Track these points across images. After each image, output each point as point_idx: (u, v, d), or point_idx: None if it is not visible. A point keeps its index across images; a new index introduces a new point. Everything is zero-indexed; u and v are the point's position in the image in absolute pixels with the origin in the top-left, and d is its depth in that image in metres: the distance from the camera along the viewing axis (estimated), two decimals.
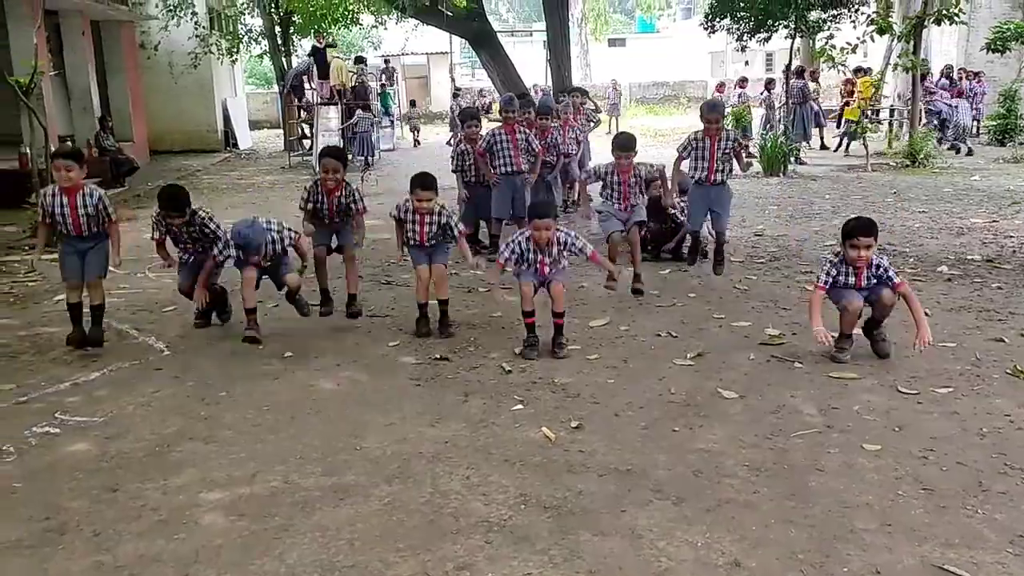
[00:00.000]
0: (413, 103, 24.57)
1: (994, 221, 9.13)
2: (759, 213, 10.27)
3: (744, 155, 6.75)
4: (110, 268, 5.45)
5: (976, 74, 19.62)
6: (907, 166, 14.28)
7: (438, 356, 5.08)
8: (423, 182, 5.37)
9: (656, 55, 41.09)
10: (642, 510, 3.25)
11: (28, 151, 11.72)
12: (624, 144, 6.42)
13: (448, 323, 5.53)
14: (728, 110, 17.06)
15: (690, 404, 4.30)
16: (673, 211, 7.76)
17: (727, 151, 6.44)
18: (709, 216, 6.61)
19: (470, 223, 8.32)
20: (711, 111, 6.50)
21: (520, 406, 4.29)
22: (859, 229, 4.59)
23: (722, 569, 2.84)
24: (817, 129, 16.91)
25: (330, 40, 18.75)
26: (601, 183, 6.49)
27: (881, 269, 4.71)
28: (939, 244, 8.04)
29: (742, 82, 18.38)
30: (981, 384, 4.43)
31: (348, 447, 3.86)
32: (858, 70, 17.31)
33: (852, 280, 4.76)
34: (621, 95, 26.01)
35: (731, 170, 6.57)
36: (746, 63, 33.90)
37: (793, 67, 16.03)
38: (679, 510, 3.24)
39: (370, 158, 16.70)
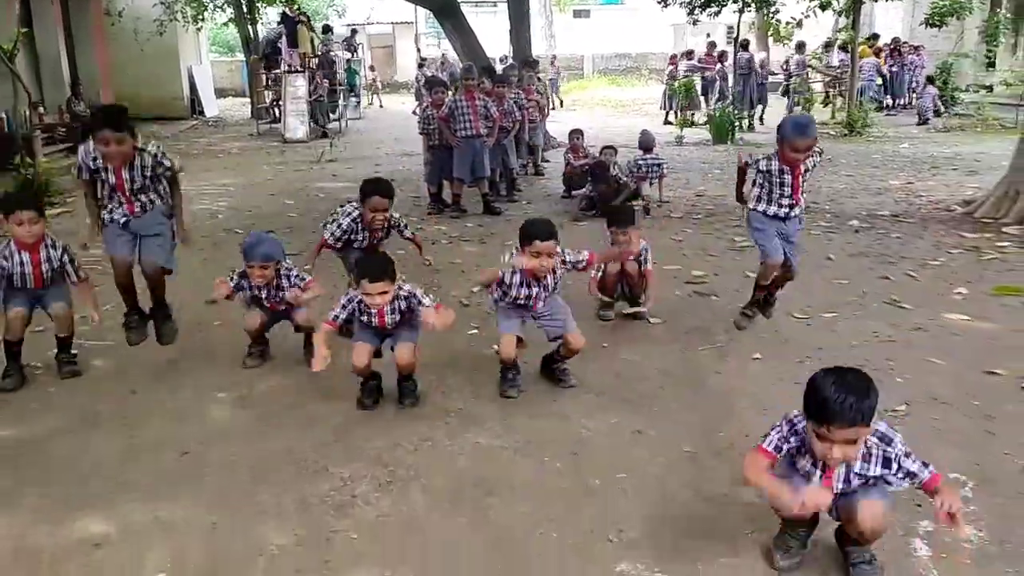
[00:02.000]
0: (372, 67, 25.01)
1: (910, 183, 10.05)
2: (703, 177, 11.08)
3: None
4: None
5: (916, 47, 20.60)
6: (845, 135, 15.20)
7: None
8: (370, 269, 3.81)
9: (620, 26, 41.63)
10: (571, 401, 4.04)
11: (5, 115, 12.20)
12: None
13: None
14: (675, 82, 17.87)
15: (619, 328, 5.10)
16: (616, 171, 8.56)
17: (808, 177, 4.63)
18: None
19: (435, 182, 9.05)
20: (801, 135, 4.31)
21: (476, 331, 5.05)
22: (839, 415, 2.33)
23: (629, 436, 3.65)
24: (760, 105, 17.63)
25: (300, 10, 19.10)
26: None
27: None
28: (856, 203, 8.93)
29: (688, 54, 19.15)
30: (862, 311, 5.30)
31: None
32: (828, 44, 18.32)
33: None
34: (560, 72, 26.88)
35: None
36: (708, 35, 34.70)
37: (740, 40, 16.84)
38: (600, 400, 4.04)
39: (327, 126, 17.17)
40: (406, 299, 3.86)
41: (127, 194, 4.23)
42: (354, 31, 27.24)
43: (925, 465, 2.48)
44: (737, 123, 15.26)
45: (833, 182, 10.31)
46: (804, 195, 4.69)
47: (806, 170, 4.56)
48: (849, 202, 9.00)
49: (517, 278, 3.96)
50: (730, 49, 17.82)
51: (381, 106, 22.70)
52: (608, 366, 4.48)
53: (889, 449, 2.46)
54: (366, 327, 3.93)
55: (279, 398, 4.13)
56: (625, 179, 8.64)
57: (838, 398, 2.27)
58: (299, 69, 16.89)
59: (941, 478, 2.48)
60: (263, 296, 4.41)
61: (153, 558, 2.77)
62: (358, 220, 4.77)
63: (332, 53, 19.67)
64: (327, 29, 21.78)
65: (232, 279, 4.40)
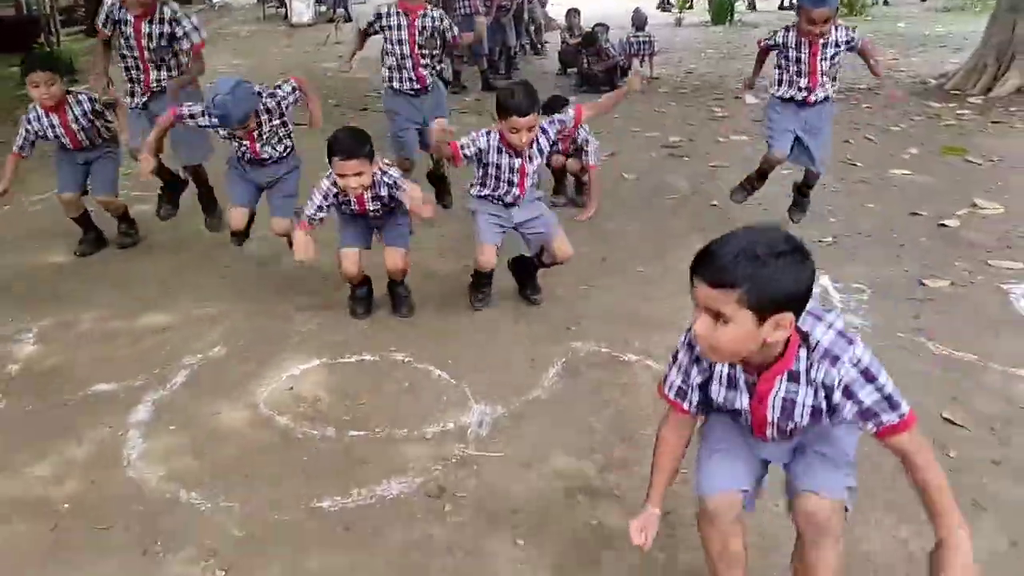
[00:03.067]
0: None
1: (895, 59, 10.41)
2: (696, 55, 11.44)
3: (873, 59, 4.42)
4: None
5: None
6: (845, 14, 15.30)
7: None
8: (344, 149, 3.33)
9: None
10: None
11: None
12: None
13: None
14: None
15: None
16: (607, 45, 9.00)
17: (835, 61, 4.28)
18: (796, 148, 4.45)
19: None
20: (818, 4, 4.00)
21: None
22: None
23: (594, 258, 4.33)
24: None
25: None
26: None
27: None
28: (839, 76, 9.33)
29: None
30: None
31: None
32: None
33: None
34: None
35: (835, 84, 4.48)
36: None
37: None
38: (573, 239, 4.70)
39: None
40: (388, 186, 3.42)
41: (143, 56, 4.21)
42: None
43: (893, 406, 1.60)
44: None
45: None
46: (831, 80, 4.30)
47: (831, 53, 4.17)
48: None
49: (493, 145, 3.44)
50: None
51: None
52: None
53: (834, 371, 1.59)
54: (349, 222, 3.60)
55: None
56: (615, 54, 9.07)
57: None
58: None
59: (915, 423, 1.61)
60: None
61: (210, 337, 3.53)
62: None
63: None
64: None
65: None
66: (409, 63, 4.82)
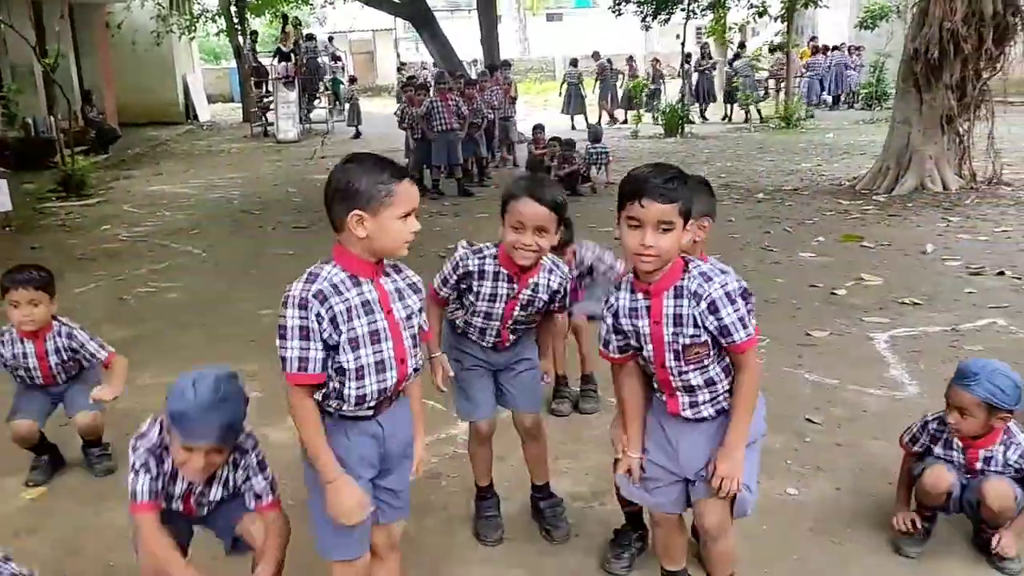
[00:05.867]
0: (353, 79, 21.85)
1: (819, 165, 11.88)
2: (647, 162, 12.83)
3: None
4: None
5: (856, 48, 22.53)
6: (783, 127, 17.04)
7: None
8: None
9: (592, 29, 43.39)
10: None
11: (32, 122, 13.81)
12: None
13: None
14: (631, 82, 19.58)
15: None
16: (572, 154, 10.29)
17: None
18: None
19: (417, 169, 10.74)
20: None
21: None
22: None
23: None
24: (703, 104, 19.52)
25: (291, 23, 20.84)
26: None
27: None
28: (768, 180, 10.72)
29: (630, 60, 20.95)
30: (740, 253, 7.03)
31: None
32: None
33: None
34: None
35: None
36: (677, 36, 36.60)
37: (701, 44, 18.75)
38: None
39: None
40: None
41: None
42: (331, 38, 28.79)
43: (744, 326, 2.14)
44: (686, 117, 17.08)
45: (756, 165, 12.13)
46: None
47: None
48: (763, 180, 10.80)
49: (488, 268, 2.69)
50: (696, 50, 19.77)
51: (358, 133, 20.70)
52: None
53: (707, 286, 2.13)
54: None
55: None
56: (577, 163, 10.38)
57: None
58: (290, 77, 18.57)
59: (755, 344, 2.21)
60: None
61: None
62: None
63: (318, 59, 21.34)
64: (310, 37, 23.35)
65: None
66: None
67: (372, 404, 2.15)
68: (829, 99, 21.55)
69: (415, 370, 2.23)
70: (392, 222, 2.03)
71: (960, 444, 2.74)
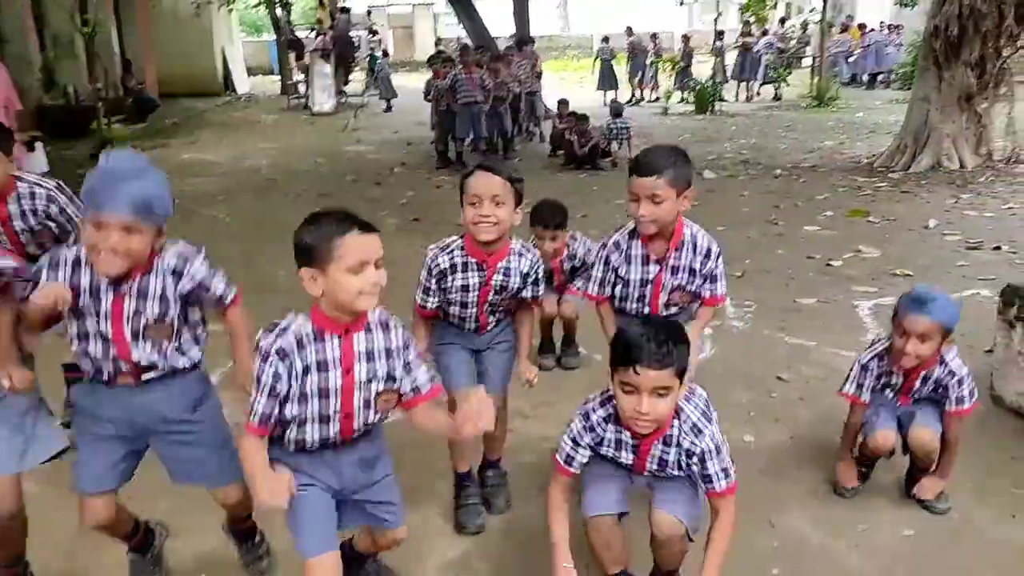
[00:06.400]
0: (385, 53, 22.31)
1: (842, 143, 11.89)
2: (672, 138, 12.93)
3: None
4: None
5: (895, 27, 22.19)
6: (814, 106, 16.94)
7: None
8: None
9: (636, 5, 43.02)
10: None
11: (74, 90, 14.31)
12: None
13: None
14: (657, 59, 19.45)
15: None
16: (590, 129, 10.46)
17: None
18: None
19: (442, 141, 10.98)
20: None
21: None
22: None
23: None
24: (744, 83, 19.33)
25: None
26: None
27: None
28: (788, 158, 10.78)
29: (654, 37, 20.53)
30: (746, 226, 7.17)
31: None
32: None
33: None
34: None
35: None
36: (719, 13, 36.24)
37: (742, 21, 18.65)
38: None
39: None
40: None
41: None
42: (369, 12, 29.01)
43: (727, 476, 2.21)
44: (718, 95, 17.08)
45: (779, 143, 12.18)
46: None
47: None
48: (782, 157, 10.86)
49: (457, 260, 2.72)
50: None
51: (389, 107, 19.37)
52: None
53: (697, 441, 2.18)
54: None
55: None
56: (596, 137, 10.53)
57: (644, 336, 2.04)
58: (326, 50, 18.90)
59: (734, 492, 2.23)
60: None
61: None
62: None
63: (351, 32, 21.63)
64: (344, 10, 23.62)
65: None
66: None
67: (314, 449, 2.13)
68: (865, 78, 21.27)
69: (368, 424, 2.16)
70: (341, 275, 1.95)
71: (900, 374, 2.91)
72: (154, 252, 2.15)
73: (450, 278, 2.72)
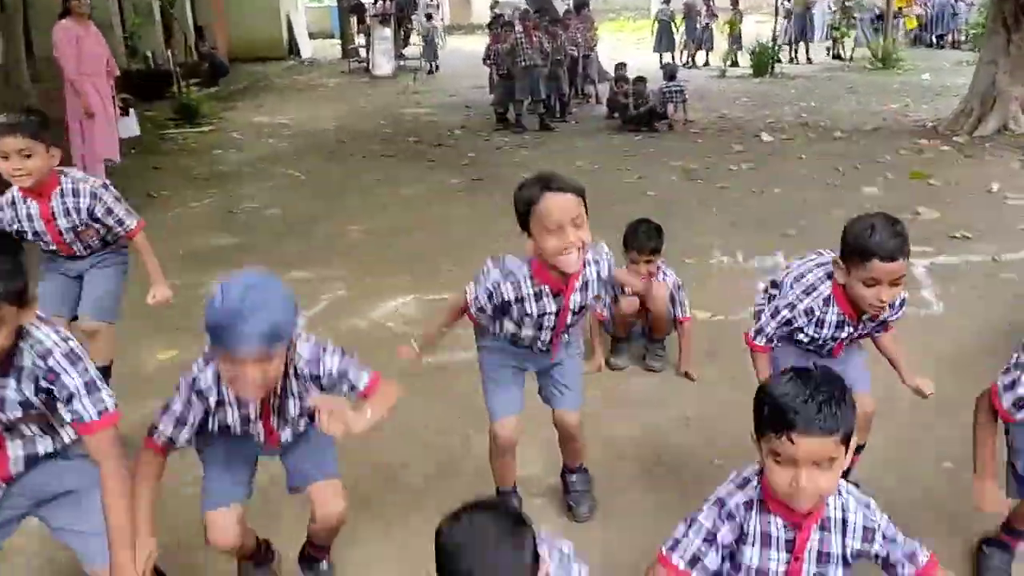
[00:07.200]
0: (429, 16, 21.05)
1: (906, 106, 11.72)
2: (730, 103, 12.90)
3: None
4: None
5: None
6: (880, 68, 16.61)
7: None
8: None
9: None
10: None
11: (152, 55, 14.87)
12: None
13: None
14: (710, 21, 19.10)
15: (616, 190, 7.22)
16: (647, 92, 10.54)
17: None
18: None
19: (501, 104, 11.17)
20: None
21: None
22: None
23: None
24: (802, 43, 18.95)
25: None
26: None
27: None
28: (850, 120, 10.70)
29: None
30: (805, 189, 7.24)
31: None
32: None
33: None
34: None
35: None
36: None
37: None
38: None
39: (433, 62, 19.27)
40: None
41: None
42: None
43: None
44: (777, 57, 16.84)
45: (841, 106, 12.06)
46: None
47: None
48: (845, 119, 10.79)
49: (526, 291, 2.44)
50: None
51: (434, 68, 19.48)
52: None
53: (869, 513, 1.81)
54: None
55: None
56: (652, 101, 10.60)
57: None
58: (386, 15, 19.15)
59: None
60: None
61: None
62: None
63: None
64: None
65: None
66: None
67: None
68: (934, 39, 20.69)
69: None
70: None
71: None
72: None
73: (515, 308, 2.46)
